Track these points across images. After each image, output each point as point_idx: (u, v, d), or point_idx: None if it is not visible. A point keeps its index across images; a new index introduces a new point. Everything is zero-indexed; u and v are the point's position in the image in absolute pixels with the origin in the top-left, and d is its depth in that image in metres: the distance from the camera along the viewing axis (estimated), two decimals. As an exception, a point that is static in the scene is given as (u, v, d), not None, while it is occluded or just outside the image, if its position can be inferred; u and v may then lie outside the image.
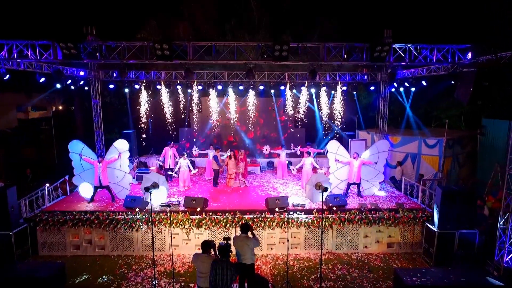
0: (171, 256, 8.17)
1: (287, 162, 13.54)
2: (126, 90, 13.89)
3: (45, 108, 25.63)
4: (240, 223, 9.01)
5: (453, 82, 9.33)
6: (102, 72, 13.83)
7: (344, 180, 10.82)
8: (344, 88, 14.08)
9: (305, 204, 9.72)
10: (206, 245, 5.35)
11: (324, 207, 9.57)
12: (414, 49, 7.52)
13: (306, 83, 13.98)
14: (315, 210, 9.28)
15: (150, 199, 6.63)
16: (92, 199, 10.21)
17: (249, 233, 6.05)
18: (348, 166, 10.66)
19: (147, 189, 6.57)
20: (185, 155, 12.02)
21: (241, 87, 13.80)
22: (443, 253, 8.32)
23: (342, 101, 14.55)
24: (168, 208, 8.52)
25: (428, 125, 17.02)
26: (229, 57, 8.01)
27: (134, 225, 8.98)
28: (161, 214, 9.02)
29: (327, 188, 6.88)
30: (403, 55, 7.63)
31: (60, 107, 23.81)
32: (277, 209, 9.10)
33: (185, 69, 8.24)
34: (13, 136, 19.81)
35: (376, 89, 14.37)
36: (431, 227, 8.57)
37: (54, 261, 8.50)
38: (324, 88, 14.14)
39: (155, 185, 6.85)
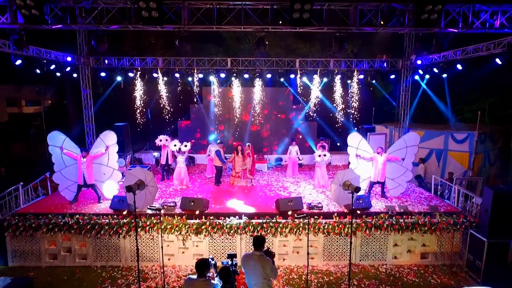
0: (163, 268, 6.76)
1: (297, 158, 12.13)
2: (119, 78, 12.43)
3: (40, 103, 24.44)
4: (246, 228, 7.61)
5: (500, 62, 7.83)
6: (92, 58, 12.48)
7: (366, 178, 9.38)
8: (361, 76, 12.60)
9: (322, 206, 8.29)
10: (203, 266, 3.84)
11: (345, 210, 8.16)
12: (470, 13, 5.95)
13: (318, 71, 12.51)
14: (335, 214, 7.83)
15: (134, 201, 5.21)
16: (75, 200, 8.85)
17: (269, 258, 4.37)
18: (371, 162, 9.21)
19: (129, 189, 5.14)
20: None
21: (246, 76, 12.35)
22: (494, 267, 6.82)
23: (358, 91, 13.11)
24: (160, 211, 7.08)
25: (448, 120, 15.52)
26: (235, 22, 6.48)
27: (120, 231, 7.58)
28: (152, 218, 7.61)
29: (359, 188, 5.44)
30: (457, 18, 6.06)
31: (54, 101, 22.53)
32: (293, 214, 7.68)
33: (179, 39, 6.63)
34: (1, 130, 18.57)
35: (396, 78, 12.86)
36: (478, 235, 7.07)
37: (20, 275, 7.09)
38: (338, 76, 12.66)
39: (140, 184, 5.41)
